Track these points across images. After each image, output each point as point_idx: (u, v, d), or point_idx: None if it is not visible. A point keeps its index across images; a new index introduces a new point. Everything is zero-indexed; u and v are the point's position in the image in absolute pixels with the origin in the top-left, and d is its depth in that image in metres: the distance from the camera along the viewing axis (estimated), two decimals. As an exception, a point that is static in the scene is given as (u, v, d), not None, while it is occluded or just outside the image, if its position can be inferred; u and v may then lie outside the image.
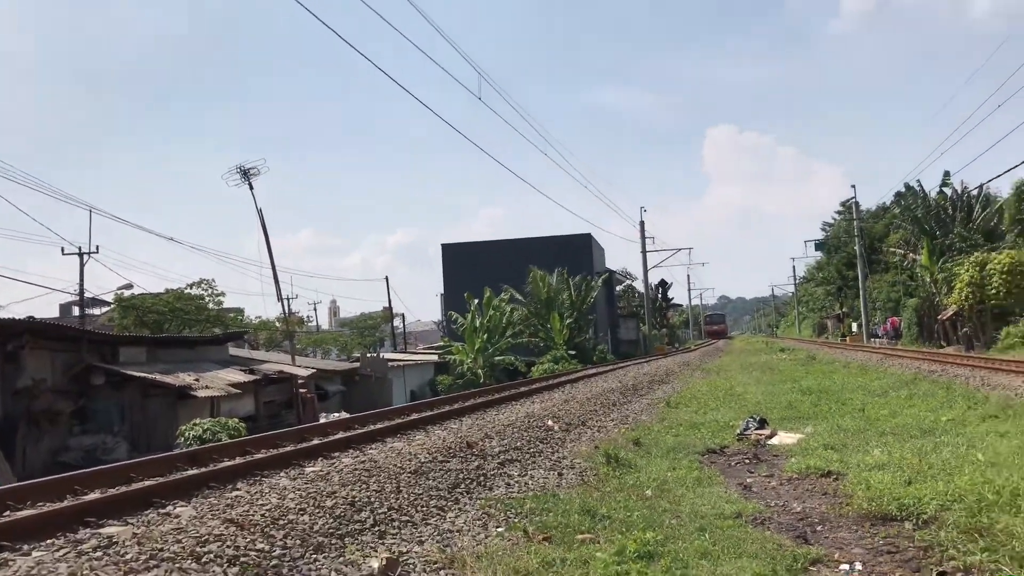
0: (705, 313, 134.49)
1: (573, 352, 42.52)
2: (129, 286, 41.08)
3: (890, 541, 6.32)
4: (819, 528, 6.94)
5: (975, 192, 46.25)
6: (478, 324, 37.48)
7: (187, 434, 15.76)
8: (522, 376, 35.25)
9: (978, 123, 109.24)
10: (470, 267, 54.86)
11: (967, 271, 34.74)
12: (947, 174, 48.83)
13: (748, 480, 9.38)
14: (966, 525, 6.17)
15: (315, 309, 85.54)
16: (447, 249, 62.02)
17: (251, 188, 26.17)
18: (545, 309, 45.15)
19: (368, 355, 39.44)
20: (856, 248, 56.93)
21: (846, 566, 5.76)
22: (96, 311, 47.97)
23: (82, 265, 34.96)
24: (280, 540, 6.29)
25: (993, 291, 32.89)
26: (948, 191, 47.57)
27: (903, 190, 51.86)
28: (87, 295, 37.57)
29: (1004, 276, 32.44)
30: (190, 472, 8.86)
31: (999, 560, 5.36)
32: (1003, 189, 44.63)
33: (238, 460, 9.73)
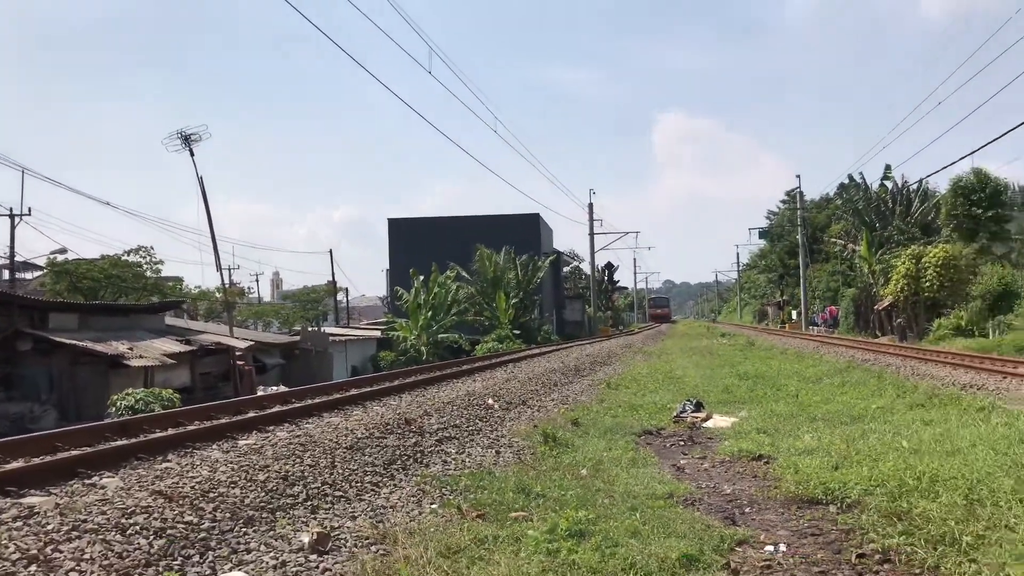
0: (649, 296, 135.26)
1: (518, 332, 42.66)
2: (63, 251, 39.83)
3: (814, 524, 6.48)
4: (747, 510, 7.08)
5: (914, 186, 47.57)
6: (423, 301, 37.30)
7: (119, 404, 15.39)
8: (466, 354, 35.25)
9: (918, 120, 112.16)
10: (417, 243, 54.51)
11: (903, 263, 35.75)
12: (888, 168, 50.18)
13: (682, 462, 9.53)
14: (887, 509, 6.35)
15: (257, 280, 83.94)
16: (394, 224, 61.50)
17: (192, 154, 25.53)
18: (491, 288, 45.17)
19: (309, 329, 39.00)
20: (799, 237, 58.09)
21: (771, 547, 5.89)
22: (27, 275, 46.45)
23: (13, 228, 33.83)
24: (209, 513, 6.19)
25: (927, 284, 33.92)
26: (889, 184, 48.84)
27: (847, 182, 53.20)
28: (18, 259, 36.37)
29: (938, 270, 33.47)
30: (119, 442, 8.67)
31: (914, 543, 5.53)
32: (941, 185, 45.85)
33: (170, 431, 9.55)
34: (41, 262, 41.78)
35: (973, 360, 19.91)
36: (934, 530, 5.70)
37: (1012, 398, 12.89)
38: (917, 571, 5.19)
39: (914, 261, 35.01)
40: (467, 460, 9.32)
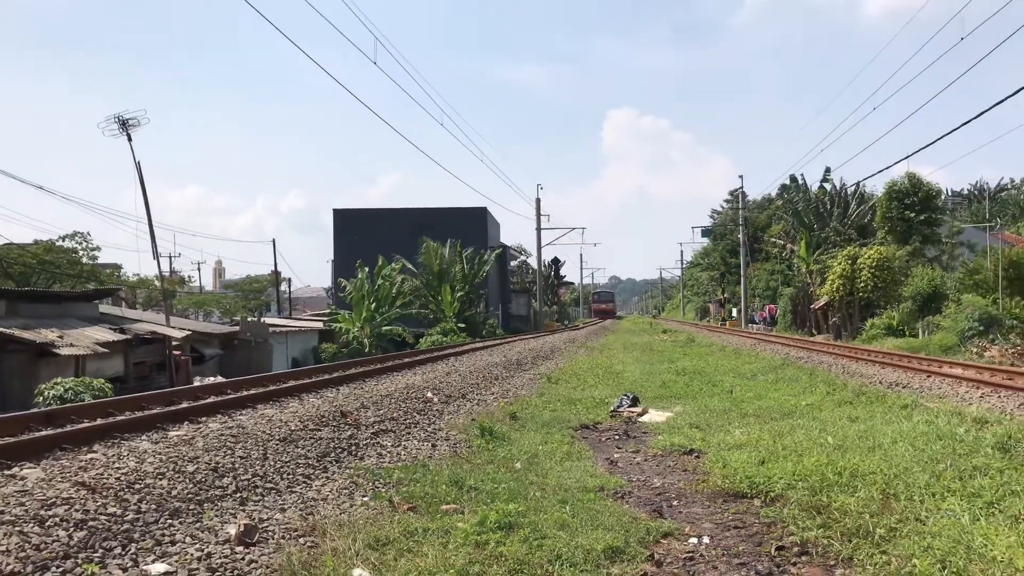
0: (593, 291, 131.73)
1: (463, 325, 42.61)
2: (-7, 235, 38.53)
3: (738, 517, 6.65)
4: (675, 503, 7.23)
5: (852, 189, 48.79)
6: (366, 292, 37.02)
7: (47, 393, 14.96)
8: (410, 347, 35.09)
9: (856, 123, 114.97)
10: (363, 234, 54.04)
11: (839, 264, 36.69)
12: (828, 170, 51.39)
13: (615, 456, 9.66)
14: (807, 503, 6.55)
15: (199, 269, 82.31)
16: (339, 215, 60.86)
17: (129, 139, 24.82)
18: (437, 281, 45.03)
19: (249, 319, 38.42)
20: (740, 237, 59.14)
21: (695, 539, 6.03)
22: (-45, 260, 44.80)
23: (-60, 210, 32.54)
24: (134, 505, 6.09)
25: (862, 284, 34.87)
26: (828, 187, 50.03)
27: (788, 183, 54.31)
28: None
29: (872, 271, 34.44)
30: (43, 432, 8.45)
31: (831, 536, 5.73)
32: (878, 188, 47.09)
33: (98, 421, 9.34)
34: (-31, 246, 40.35)
35: (901, 359, 20.55)
36: (850, 523, 5.90)
37: (934, 396, 13.35)
38: (832, 563, 5.37)
39: (850, 262, 35.95)
40: (402, 453, 9.31)
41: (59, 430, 8.63)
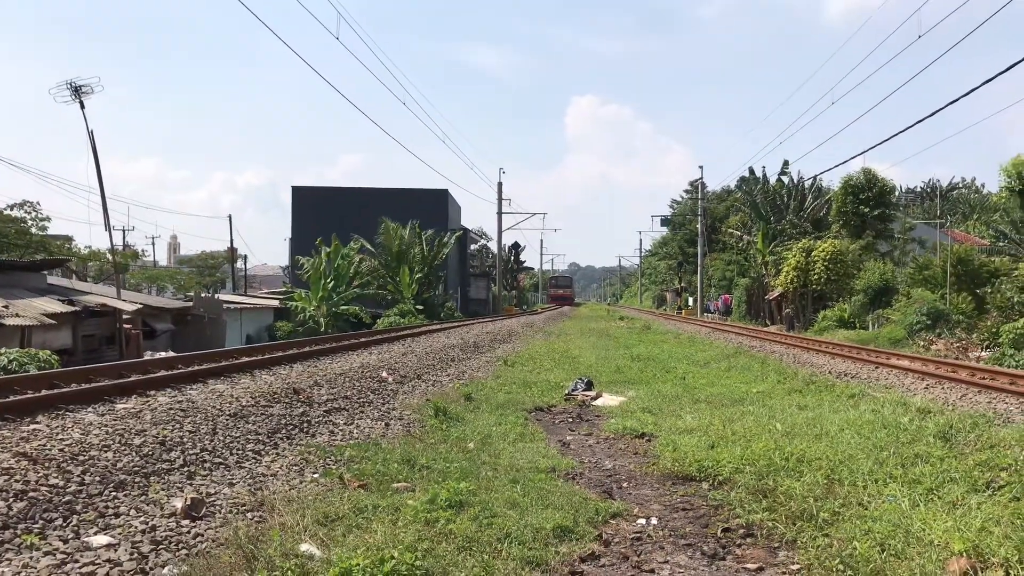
0: (550, 276, 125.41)
1: (421, 307, 42.40)
2: (-62, 202, 37.38)
3: (687, 499, 6.73)
4: (625, 485, 7.30)
5: (809, 182, 49.51)
6: (324, 271, 36.64)
7: (-10, 364, 14.58)
8: (366, 328, 34.87)
9: (815, 117, 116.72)
10: (322, 213, 53.47)
11: (794, 256, 37.24)
12: (786, 163, 52.06)
13: (568, 438, 9.72)
14: (754, 487, 6.66)
15: (153, 243, 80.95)
16: (298, 192, 60.15)
17: (82, 107, 24.11)
18: (395, 262, 44.70)
19: (203, 295, 37.83)
20: (698, 227, 59.69)
21: (643, 520, 6.09)
22: None
23: None
24: (77, 476, 5.99)
25: (816, 276, 35.45)
26: (786, 179, 50.69)
27: (747, 175, 54.89)
28: None
29: (826, 263, 35.03)
30: (-16, 403, 8.23)
31: (776, 519, 5.83)
32: (834, 182, 47.85)
33: (43, 392, 9.13)
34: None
35: (851, 351, 20.95)
36: (795, 507, 6.01)
37: (881, 386, 13.64)
38: (776, 545, 5.47)
39: (804, 254, 36.50)
40: (355, 431, 9.26)
41: (0, 400, 8.41)
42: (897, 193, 51.32)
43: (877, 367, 16.65)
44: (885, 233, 39.06)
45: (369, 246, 43.98)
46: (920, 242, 41.90)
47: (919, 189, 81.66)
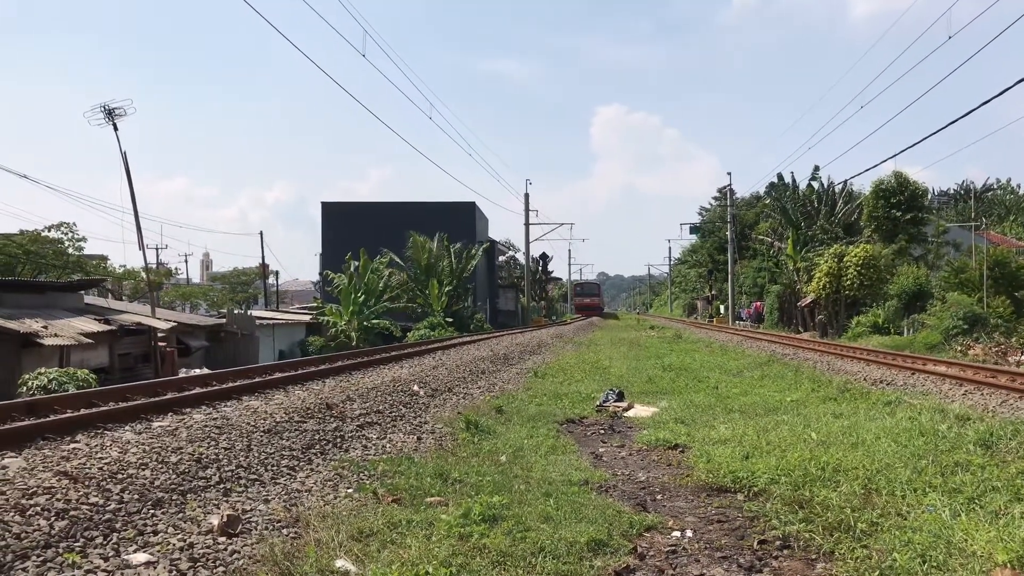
0: (575, 282, 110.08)
1: (450, 319, 42.55)
2: (-23, 224, 38.28)
3: (721, 511, 6.67)
4: (659, 497, 7.25)
5: (839, 187, 48.98)
6: (354, 286, 36.92)
7: (30, 383, 14.87)
8: (397, 341, 35.04)
9: (843, 121, 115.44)
10: (351, 228, 53.93)
11: (826, 262, 36.85)
12: (816, 168, 51.52)
13: (600, 450, 9.69)
14: (790, 497, 6.59)
15: (186, 261, 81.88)
16: (327, 208, 60.77)
17: (116, 129, 24.63)
18: (424, 275, 44.94)
19: (236, 312, 38.27)
20: (728, 234, 59.30)
21: (678, 533, 6.05)
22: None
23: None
24: (116, 494, 6.07)
25: (848, 282, 35.05)
26: (816, 185, 50.20)
27: (776, 181, 54.44)
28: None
29: (859, 268, 34.62)
30: (25, 422, 8.38)
31: (813, 530, 5.76)
32: (865, 186, 47.30)
33: (81, 412, 9.28)
34: (-47, 235, 40.02)
35: (886, 357, 20.66)
36: (832, 517, 5.94)
37: (918, 393, 13.43)
38: (813, 557, 5.40)
39: (836, 260, 36.12)
40: (387, 446, 9.30)
41: (42, 420, 8.56)
42: (930, 196, 50.62)
43: (913, 373, 16.40)
44: (918, 237, 38.52)
45: (398, 260, 44.27)
46: (955, 245, 41.27)
47: (953, 191, 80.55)
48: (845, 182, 47.94)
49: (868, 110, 75.73)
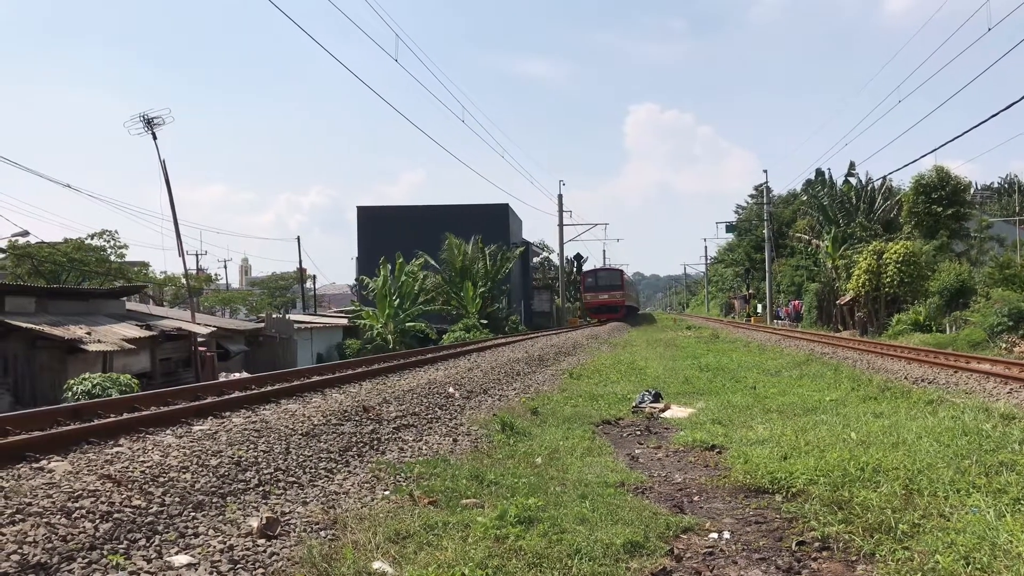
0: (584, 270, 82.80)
1: (485, 321, 42.68)
2: (24, 233, 39.14)
3: (759, 512, 6.61)
4: (696, 498, 7.20)
5: (878, 183, 48.24)
6: (390, 289, 37.18)
7: (75, 389, 15.20)
8: (433, 343, 35.21)
9: (881, 116, 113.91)
10: (386, 231, 54.33)
11: (865, 259, 36.28)
12: (853, 164, 50.83)
13: (636, 451, 9.64)
14: (829, 498, 6.50)
15: (225, 266, 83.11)
16: (363, 212, 61.23)
17: (155, 138, 25.15)
18: (459, 277, 45.13)
19: (275, 316, 38.73)
20: (765, 232, 58.68)
21: (715, 535, 6.00)
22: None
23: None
24: (158, 497, 6.17)
25: (888, 279, 34.47)
26: (854, 181, 49.49)
27: (813, 177, 53.75)
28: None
29: (899, 265, 34.03)
30: (70, 427, 8.58)
31: (853, 531, 5.68)
32: (904, 182, 46.53)
33: (124, 416, 9.47)
34: (2, 245, 40.99)
35: (928, 355, 20.29)
36: (872, 518, 5.85)
37: (961, 392, 13.19)
38: (853, 558, 5.33)
39: (876, 257, 35.55)
40: (423, 448, 9.35)
41: (86, 424, 8.75)
42: (972, 191, 49.62)
43: (956, 371, 16.09)
44: (960, 232, 37.81)
45: (433, 262, 44.49)
46: (999, 240, 40.45)
47: (996, 185, 78.91)
48: (884, 178, 47.26)
49: (906, 104, 74.61)
